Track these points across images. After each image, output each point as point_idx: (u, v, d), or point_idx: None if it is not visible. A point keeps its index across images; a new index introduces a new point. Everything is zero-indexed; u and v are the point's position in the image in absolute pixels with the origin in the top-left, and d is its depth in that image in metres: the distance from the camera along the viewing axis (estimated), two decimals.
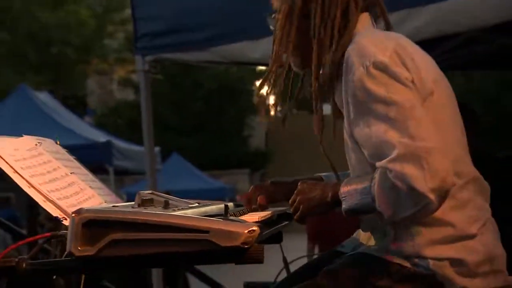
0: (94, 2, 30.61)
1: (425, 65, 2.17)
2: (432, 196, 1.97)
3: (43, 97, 14.40)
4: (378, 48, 2.11)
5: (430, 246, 2.14)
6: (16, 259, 1.93)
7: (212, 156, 27.30)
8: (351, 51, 2.14)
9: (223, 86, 30.97)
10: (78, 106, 27.37)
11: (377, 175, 2.06)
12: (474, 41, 4.22)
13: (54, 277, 2.18)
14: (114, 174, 13.14)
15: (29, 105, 13.15)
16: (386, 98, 2.05)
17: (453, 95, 2.24)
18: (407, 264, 2.15)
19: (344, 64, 2.16)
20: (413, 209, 2.03)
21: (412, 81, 2.09)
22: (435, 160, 1.98)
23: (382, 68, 2.08)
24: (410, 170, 1.97)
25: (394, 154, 2.00)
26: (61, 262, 2.03)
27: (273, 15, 2.36)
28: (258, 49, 3.88)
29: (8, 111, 12.84)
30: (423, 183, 1.96)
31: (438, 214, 2.10)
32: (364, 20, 2.26)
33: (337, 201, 2.19)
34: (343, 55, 2.18)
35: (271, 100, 2.44)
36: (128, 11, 29.84)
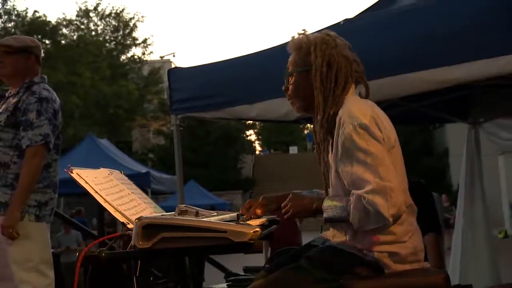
0: (138, 79, 30.71)
1: (389, 127, 2.18)
2: (390, 219, 2.01)
3: (104, 142, 14.38)
4: (361, 113, 2.11)
5: (376, 245, 2.13)
6: (98, 250, 1.92)
7: (216, 182, 27.18)
8: (343, 114, 2.15)
9: (225, 134, 30.98)
10: (126, 148, 27.21)
11: (352, 199, 2.06)
12: (393, 106, 4.23)
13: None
14: (151, 194, 13.06)
15: (94, 148, 13.15)
16: (366, 149, 2.06)
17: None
18: (360, 254, 2.14)
19: (337, 121, 2.16)
20: (375, 225, 2.05)
21: (383, 139, 2.10)
22: (396, 196, 2.01)
23: (365, 128, 2.08)
24: (378, 200, 1.99)
25: (369, 188, 2.01)
26: (128, 253, 2.02)
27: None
28: (253, 110, 3.90)
29: (81, 152, 12.84)
30: (386, 210, 1.99)
31: (389, 231, 2.11)
32: (352, 90, 2.26)
33: (319, 211, 2.18)
34: (336, 112, 2.19)
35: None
36: (160, 85, 30.05)
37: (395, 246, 2.13)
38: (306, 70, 2.26)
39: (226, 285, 3.79)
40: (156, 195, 15.97)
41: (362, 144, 2.07)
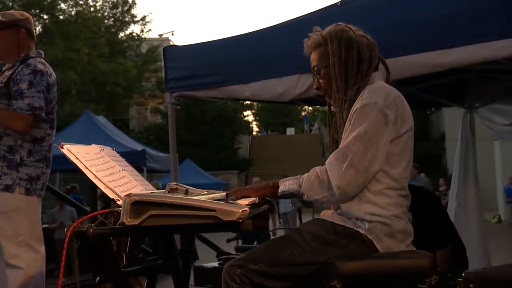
0: (136, 57, 30.52)
1: (407, 117, 2.19)
2: (337, 191, 2.07)
3: (101, 119, 14.30)
4: (382, 95, 2.14)
5: (370, 214, 2.15)
6: (86, 226, 1.92)
7: (213, 161, 27.18)
8: (366, 92, 2.17)
9: (222, 114, 30.89)
10: (123, 126, 27.14)
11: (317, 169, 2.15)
12: None
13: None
14: (147, 172, 13.05)
15: (91, 125, 13.08)
16: (367, 127, 2.09)
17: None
18: (350, 225, 2.15)
19: (359, 97, 2.18)
20: (320, 194, 2.11)
21: (394, 123, 2.11)
22: (356, 175, 2.06)
23: (380, 108, 2.10)
24: (335, 169, 2.07)
25: (342, 158, 2.08)
26: (116, 229, 2.01)
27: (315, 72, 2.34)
28: (248, 90, 3.90)
29: (77, 129, 12.78)
30: (336, 180, 2.06)
31: (386, 206, 2.14)
32: (376, 76, 2.28)
33: (277, 187, 2.24)
34: (357, 92, 2.21)
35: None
36: (158, 64, 29.84)
37: (387, 219, 2.14)
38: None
39: (218, 263, 3.82)
40: (151, 173, 15.99)
41: (368, 119, 2.09)
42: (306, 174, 2.16)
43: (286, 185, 2.21)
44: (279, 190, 2.22)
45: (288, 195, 2.22)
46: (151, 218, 1.87)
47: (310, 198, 2.14)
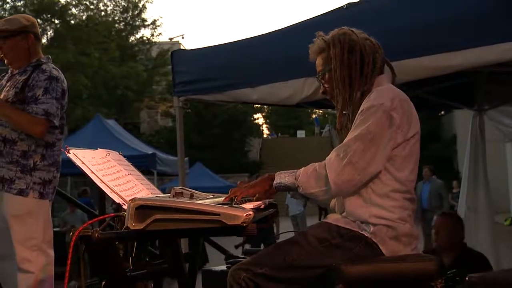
0: (147, 61, 30.63)
1: (414, 121, 2.17)
2: (332, 186, 2.04)
3: (111, 123, 14.30)
4: (389, 98, 2.12)
5: (375, 217, 2.13)
6: (92, 230, 1.93)
7: (223, 164, 27.16)
8: (373, 93, 2.16)
9: (232, 117, 30.89)
10: (134, 129, 27.22)
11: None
12: None
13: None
14: (157, 176, 13.04)
15: (102, 128, 13.07)
16: (371, 128, 2.07)
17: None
18: (355, 229, 2.14)
19: (366, 98, 2.16)
20: (316, 188, 2.09)
21: (399, 126, 2.10)
22: (354, 175, 2.04)
23: (386, 110, 2.09)
24: (335, 165, 2.05)
25: (342, 155, 2.06)
26: (121, 233, 2.02)
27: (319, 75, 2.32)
28: (255, 93, 3.90)
29: (88, 133, 12.78)
30: (333, 176, 2.04)
31: (391, 209, 2.13)
32: (384, 79, 2.25)
33: (272, 179, 2.21)
34: (362, 95, 2.20)
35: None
36: (168, 67, 29.86)
37: (393, 223, 2.13)
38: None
39: (226, 267, 3.81)
40: (162, 177, 15.99)
41: (374, 121, 2.08)
42: (303, 168, 2.14)
43: (281, 177, 2.18)
44: (274, 183, 2.18)
45: (284, 188, 2.18)
46: (155, 223, 1.88)
47: (306, 191, 2.12)
